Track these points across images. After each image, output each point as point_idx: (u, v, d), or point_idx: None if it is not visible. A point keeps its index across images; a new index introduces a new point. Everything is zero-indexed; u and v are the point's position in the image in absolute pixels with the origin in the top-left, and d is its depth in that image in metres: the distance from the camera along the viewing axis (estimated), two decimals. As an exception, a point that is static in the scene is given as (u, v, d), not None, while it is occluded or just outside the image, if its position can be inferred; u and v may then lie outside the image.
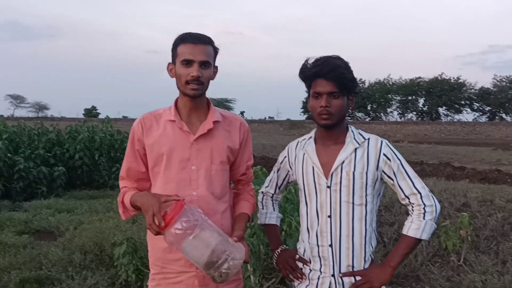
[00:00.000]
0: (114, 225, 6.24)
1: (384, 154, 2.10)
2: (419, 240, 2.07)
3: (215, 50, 2.21)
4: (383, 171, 2.11)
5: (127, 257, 4.24)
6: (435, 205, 2.06)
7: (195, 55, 2.09)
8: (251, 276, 4.16)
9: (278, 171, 2.42)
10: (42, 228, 6.79)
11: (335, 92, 2.06)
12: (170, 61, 2.22)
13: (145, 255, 2.31)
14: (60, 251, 5.26)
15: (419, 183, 2.09)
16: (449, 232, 5.27)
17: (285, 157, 2.35)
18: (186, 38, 2.13)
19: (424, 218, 2.04)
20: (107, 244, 5.22)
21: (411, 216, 2.09)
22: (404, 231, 2.08)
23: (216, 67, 2.24)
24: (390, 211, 7.45)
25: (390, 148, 2.14)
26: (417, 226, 2.04)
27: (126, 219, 2.36)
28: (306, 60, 2.13)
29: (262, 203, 2.49)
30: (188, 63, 2.10)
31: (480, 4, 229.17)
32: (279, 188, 2.47)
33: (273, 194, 2.49)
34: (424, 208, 2.05)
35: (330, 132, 2.15)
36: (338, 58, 2.11)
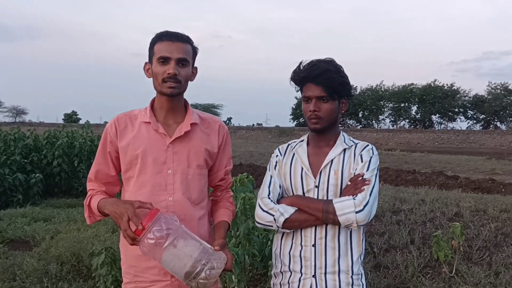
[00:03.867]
0: (93, 234, 6.13)
1: (361, 155, 2.11)
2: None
3: (194, 50, 2.14)
4: (354, 173, 2.10)
5: (105, 268, 4.19)
6: (364, 209, 1.99)
7: (172, 52, 2.03)
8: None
9: (272, 176, 2.28)
10: (17, 237, 6.60)
11: (324, 97, 2.07)
12: (147, 60, 2.14)
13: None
14: (36, 262, 5.09)
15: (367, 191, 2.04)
16: (441, 242, 5.20)
17: (277, 156, 2.29)
18: (163, 36, 2.07)
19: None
20: (85, 254, 5.09)
21: None
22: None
23: (195, 68, 2.17)
24: (380, 220, 7.40)
25: (372, 152, 2.13)
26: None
27: (91, 224, 2.25)
28: (299, 64, 2.12)
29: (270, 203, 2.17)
30: (164, 60, 2.03)
31: (475, 11, 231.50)
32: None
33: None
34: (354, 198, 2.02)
35: (322, 135, 2.16)
36: (329, 61, 2.11)
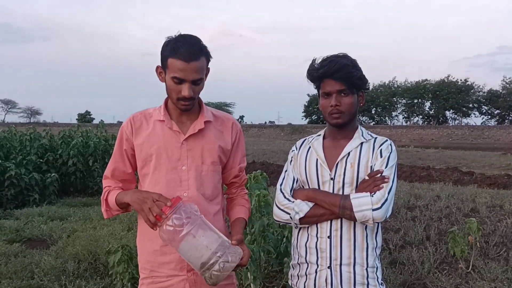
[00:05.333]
0: (109, 232, 6.19)
1: (380, 150, 2.11)
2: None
3: (208, 59, 2.10)
4: (371, 167, 2.09)
5: (122, 265, 4.22)
6: (381, 207, 2.00)
7: (186, 75, 2.00)
8: (252, 284, 4.10)
9: (287, 170, 2.30)
10: (34, 236, 6.69)
11: (344, 90, 2.09)
12: (160, 63, 2.12)
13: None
14: (53, 260, 5.16)
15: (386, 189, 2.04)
16: (457, 238, 5.17)
17: (293, 151, 2.30)
18: (177, 52, 1.99)
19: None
20: (102, 252, 5.15)
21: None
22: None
23: (208, 69, 2.14)
24: (395, 217, 7.35)
25: (391, 148, 2.12)
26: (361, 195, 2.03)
27: (108, 218, 2.29)
28: (313, 61, 2.14)
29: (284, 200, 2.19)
30: (179, 81, 2.01)
31: (488, 4, 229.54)
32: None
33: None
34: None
35: (342, 129, 2.17)
36: (344, 56, 2.12)
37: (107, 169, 2.24)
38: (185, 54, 1.98)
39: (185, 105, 2.06)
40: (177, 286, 2.10)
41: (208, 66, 2.14)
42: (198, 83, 2.05)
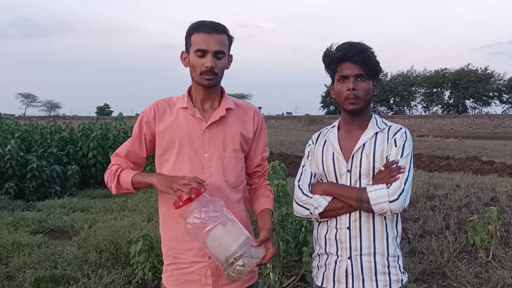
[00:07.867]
0: (130, 223, 6.26)
1: (394, 139, 2.09)
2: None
3: (230, 39, 2.17)
4: (386, 157, 2.07)
5: (143, 255, 4.26)
6: (398, 198, 1.98)
7: (209, 45, 2.05)
8: (271, 274, 4.14)
9: (304, 166, 2.30)
10: (56, 227, 6.79)
11: (362, 75, 2.07)
12: (184, 49, 2.18)
13: (162, 252, 2.24)
14: (75, 250, 5.23)
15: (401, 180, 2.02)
16: (477, 227, 5.15)
17: (309, 145, 2.31)
18: (200, 27, 2.09)
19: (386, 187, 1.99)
20: (123, 242, 5.20)
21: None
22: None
23: (231, 56, 2.20)
24: (414, 206, 7.33)
25: (405, 136, 2.10)
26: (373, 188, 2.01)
27: (116, 194, 2.30)
28: (330, 45, 2.13)
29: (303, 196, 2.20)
30: (202, 53, 2.06)
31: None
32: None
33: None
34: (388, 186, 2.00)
35: (356, 117, 2.14)
36: (361, 43, 2.11)
37: (121, 148, 2.27)
38: (208, 28, 2.07)
39: (208, 79, 2.08)
40: (199, 272, 2.12)
41: (231, 53, 2.19)
42: (220, 56, 2.09)
